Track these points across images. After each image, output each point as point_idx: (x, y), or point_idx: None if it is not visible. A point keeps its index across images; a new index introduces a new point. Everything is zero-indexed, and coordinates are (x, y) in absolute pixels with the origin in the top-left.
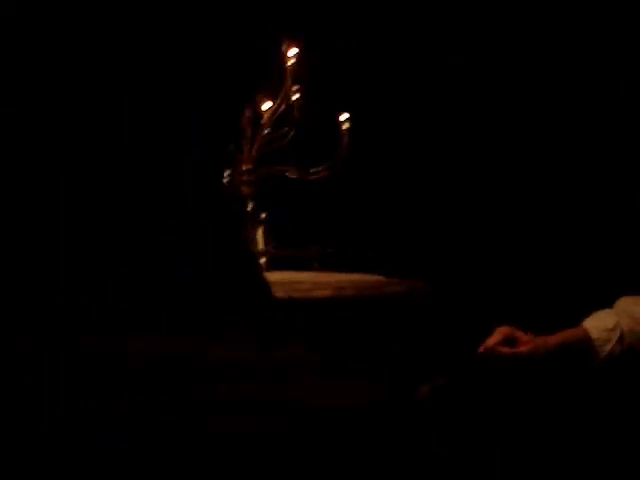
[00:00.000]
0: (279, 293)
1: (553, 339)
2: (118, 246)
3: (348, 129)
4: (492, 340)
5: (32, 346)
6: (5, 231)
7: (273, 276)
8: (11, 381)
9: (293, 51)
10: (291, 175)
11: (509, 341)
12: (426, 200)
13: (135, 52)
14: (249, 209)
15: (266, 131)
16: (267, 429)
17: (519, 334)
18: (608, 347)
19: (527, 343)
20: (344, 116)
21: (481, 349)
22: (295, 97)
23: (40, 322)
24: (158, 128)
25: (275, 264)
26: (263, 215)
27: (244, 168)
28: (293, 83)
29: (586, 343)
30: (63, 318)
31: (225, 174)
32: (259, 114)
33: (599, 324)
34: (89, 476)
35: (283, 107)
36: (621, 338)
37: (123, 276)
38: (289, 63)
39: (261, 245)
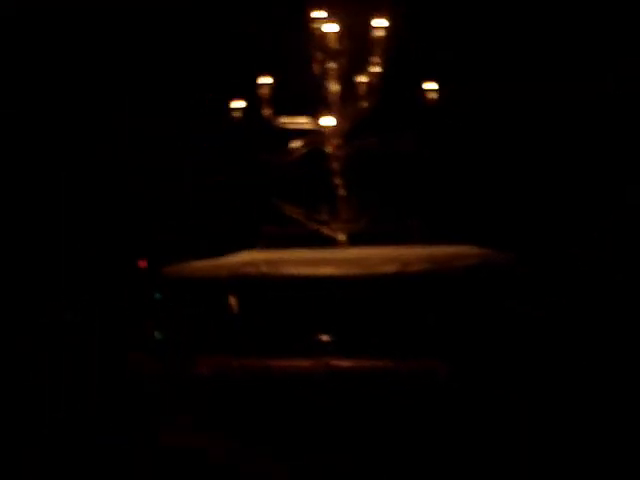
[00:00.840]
0: (349, 270)
1: None
2: (118, 246)
3: (434, 98)
4: None
5: (32, 346)
6: (5, 231)
7: (343, 253)
8: (11, 381)
9: (380, 22)
10: (378, 148)
11: None
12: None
13: (135, 52)
14: (337, 184)
15: (364, 104)
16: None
17: None
18: None
19: None
20: (430, 85)
21: None
22: (376, 69)
23: (40, 322)
24: (158, 128)
25: (370, 239)
26: (343, 191)
27: (334, 144)
28: (378, 55)
29: None
30: (63, 318)
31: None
32: (350, 88)
33: None
34: (89, 476)
35: (374, 81)
36: None
37: (123, 276)
38: (376, 35)
39: (342, 221)
